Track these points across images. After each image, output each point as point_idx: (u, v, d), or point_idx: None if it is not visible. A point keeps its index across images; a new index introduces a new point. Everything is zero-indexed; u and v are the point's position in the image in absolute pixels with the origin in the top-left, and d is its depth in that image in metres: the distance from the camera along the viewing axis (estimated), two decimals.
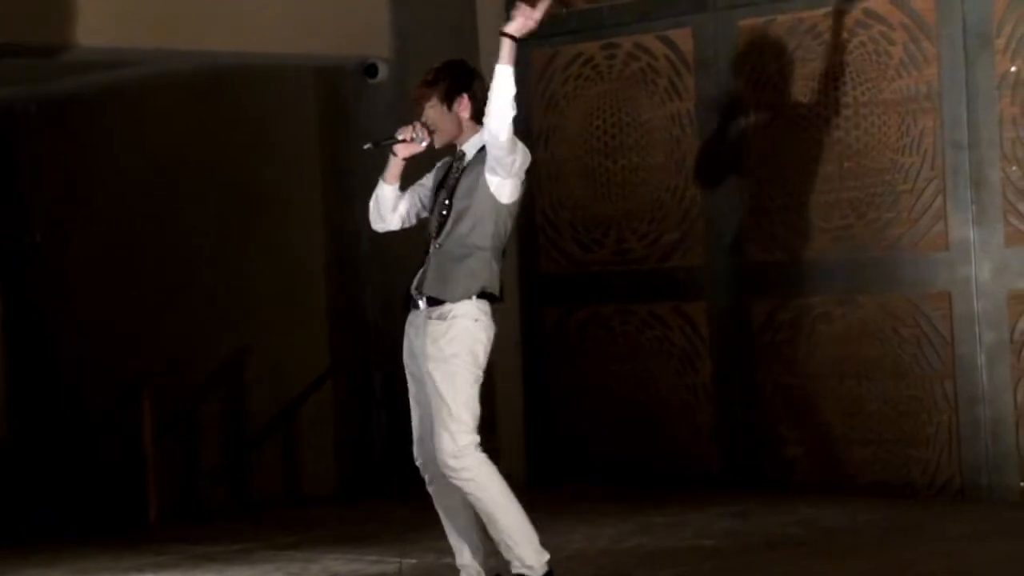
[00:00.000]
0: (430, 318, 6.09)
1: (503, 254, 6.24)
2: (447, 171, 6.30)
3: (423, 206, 6.35)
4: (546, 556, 6.17)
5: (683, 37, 9.23)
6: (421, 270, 6.19)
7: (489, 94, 6.01)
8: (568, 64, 9.66)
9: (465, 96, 6.20)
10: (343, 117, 9.83)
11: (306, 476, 9.86)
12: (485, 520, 6.14)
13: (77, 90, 11.05)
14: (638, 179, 9.42)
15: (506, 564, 6.17)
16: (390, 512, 8.53)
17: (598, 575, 6.86)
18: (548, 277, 9.78)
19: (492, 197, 6.11)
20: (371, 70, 9.70)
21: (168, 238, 10.73)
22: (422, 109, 6.23)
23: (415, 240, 9.70)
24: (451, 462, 6.04)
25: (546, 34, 9.61)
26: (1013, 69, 8.22)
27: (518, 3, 6.07)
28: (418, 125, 6.20)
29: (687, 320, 9.24)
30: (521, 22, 6.06)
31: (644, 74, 9.37)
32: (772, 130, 8.93)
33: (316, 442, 9.84)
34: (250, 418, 10.13)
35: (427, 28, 9.74)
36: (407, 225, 6.39)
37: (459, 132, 6.22)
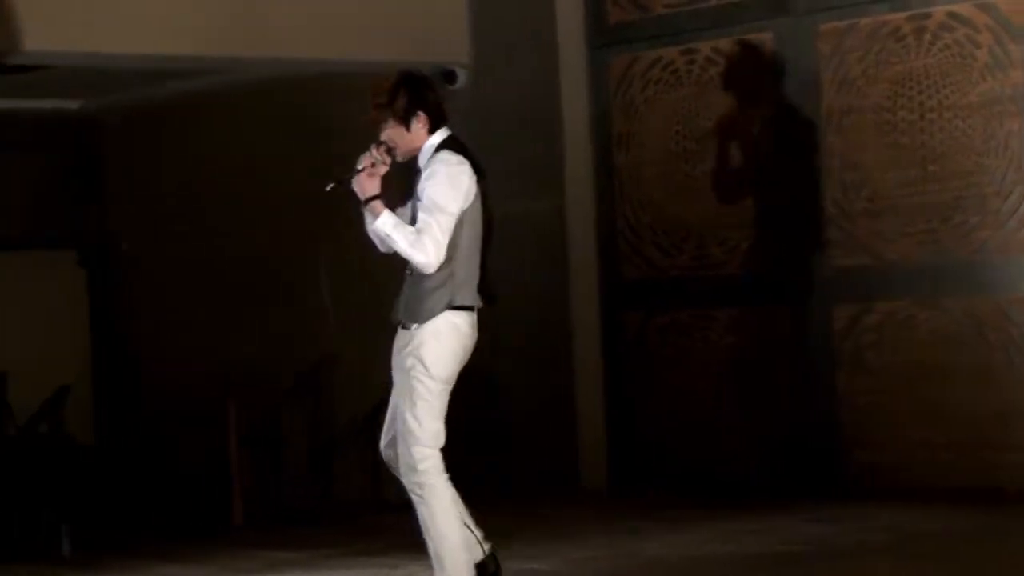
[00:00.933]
0: (405, 329, 6.18)
1: (482, 254, 6.21)
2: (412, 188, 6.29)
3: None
4: None
5: (763, 41, 9.19)
6: (403, 288, 6.26)
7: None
8: (647, 69, 9.64)
9: (421, 113, 6.19)
10: None
11: (389, 482, 9.87)
12: (425, 536, 6.17)
13: (162, 99, 11.14)
14: (717, 184, 9.37)
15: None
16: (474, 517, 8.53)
17: None
18: (629, 282, 9.76)
19: None
20: (450, 76, 9.72)
21: (252, 245, 10.78)
22: (380, 130, 6.21)
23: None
24: (406, 473, 6.17)
25: (625, 39, 9.64)
26: None
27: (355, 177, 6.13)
28: (377, 148, 6.18)
29: (769, 325, 9.19)
30: (359, 189, 6.14)
31: (724, 79, 9.32)
32: (855, 134, 8.87)
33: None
34: (334, 424, 10.17)
35: (506, 34, 9.75)
36: None
37: (420, 145, 6.21)
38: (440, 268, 6.10)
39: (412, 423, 6.13)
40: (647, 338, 9.65)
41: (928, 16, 8.61)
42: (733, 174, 9.31)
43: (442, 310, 6.13)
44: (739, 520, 8.22)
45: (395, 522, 8.86)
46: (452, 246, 6.12)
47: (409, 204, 6.25)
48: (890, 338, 8.76)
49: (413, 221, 6.17)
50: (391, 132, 6.19)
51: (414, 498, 6.18)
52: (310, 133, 10.36)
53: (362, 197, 6.16)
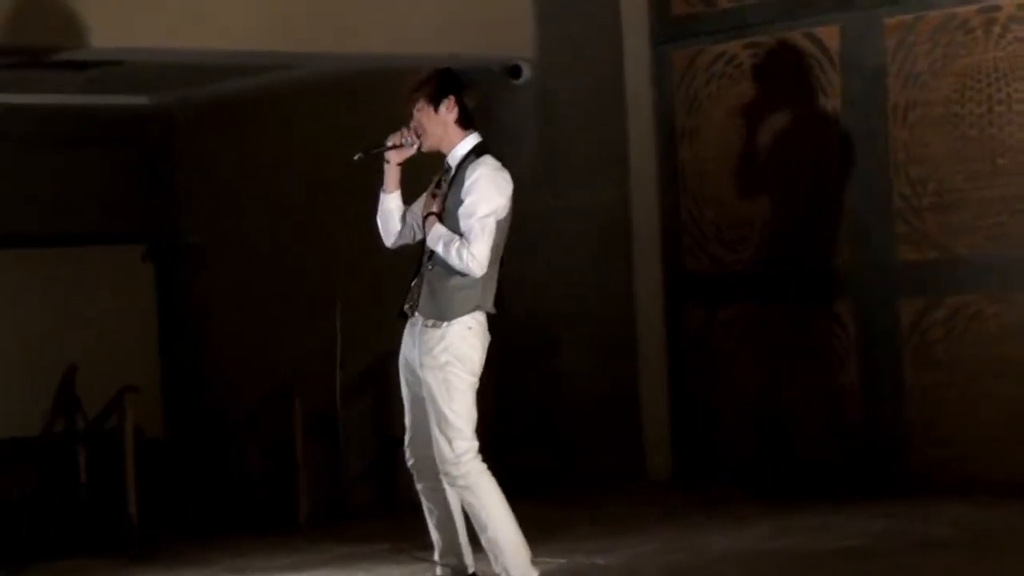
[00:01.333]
0: (425, 327, 6.22)
1: (501, 263, 6.30)
2: (438, 183, 6.38)
3: (416, 227, 6.42)
4: (535, 574, 6.25)
5: (829, 35, 9.14)
6: (414, 284, 6.31)
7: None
8: (711, 63, 9.61)
9: (452, 98, 6.28)
10: (488, 118, 9.87)
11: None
12: (477, 528, 6.25)
13: (231, 94, 11.21)
14: (783, 179, 9.35)
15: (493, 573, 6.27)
16: (535, 511, 8.55)
17: None
18: (692, 276, 9.74)
19: None
20: (515, 71, 9.74)
21: (317, 241, 10.84)
22: (410, 114, 6.30)
23: (551, 236, 9.73)
24: (450, 469, 6.19)
25: (689, 33, 9.61)
26: None
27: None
28: (406, 130, 6.29)
29: (834, 320, 9.15)
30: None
31: (789, 72, 9.29)
32: (921, 127, 8.82)
33: None
34: (396, 420, 10.20)
35: (571, 29, 9.75)
36: (416, 239, 6.45)
37: (445, 135, 6.29)
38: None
39: (452, 417, 6.17)
40: (711, 332, 9.63)
41: (998, 8, 8.53)
42: (797, 169, 9.27)
43: (470, 311, 6.20)
44: (803, 515, 8.18)
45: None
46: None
47: (434, 201, 6.30)
48: (958, 333, 8.70)
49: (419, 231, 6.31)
50: (420, 116, 6.27)
51: (459, 491, 6.23)
52: (371, 127, 10.39)
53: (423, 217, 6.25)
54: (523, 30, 9.66)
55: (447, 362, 6.18)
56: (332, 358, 10.41)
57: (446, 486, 6.33)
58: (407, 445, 6.45)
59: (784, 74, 9.31)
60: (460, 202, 6.21)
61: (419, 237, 6.43)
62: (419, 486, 6.46)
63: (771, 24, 9.34)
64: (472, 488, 6.19)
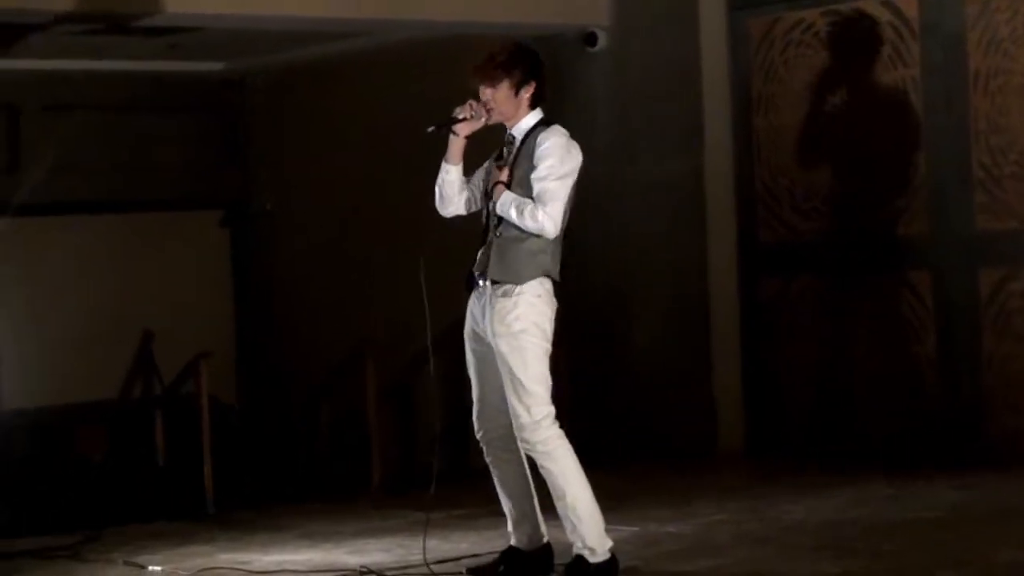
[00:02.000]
0: (496, 296, 6.23)
1: (564, 234, 6.30)
2: (499, 155, 6.37)
3: (477, 197, 6.43)
4: (609, 543, 6.26)
5: (907, 2, 9.05)
6: (481, 252, 6.32)
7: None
8: (788, 31, 9.54)
9: (534, 83, 6.30)
10: (563, 86, 9.84)
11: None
12: (554, 495, 6.24)
13: (305, 61, 11.25)
14: (860, 148, 9.27)
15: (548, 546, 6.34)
16: (607, 481, 8.55)
17: (819, 546, 6.78)
18: (767, 246, 9.69)
19: None
20: (591, 39, 9.72)
21: (390, 208, 10.86)
22: (484, 86, 6.26)
23: (626, 204, 9.69)
24: (528, 435, 6.19)
25: (765, 1, 9.54)
26: None
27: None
28: (476, 103, 6.27)
29: (911, 290, 9.08)
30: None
31: (867, 40, 9.20)
32: (1002, 96, 8.71)
33: None
34: (466, 385, 10.21)
35: None
36: (472, 209, 6.46)
37: (516, 113, 6.30)
38: (541, 236, 6.20)
39: (529, 383, 6.19)
40: (785, 302, 9.58)
41: None
42: (874, 138, 9.19)
43: (539, 277, 6.22)
44: (878, 485, 8.14)
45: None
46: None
47: (500, 172, 6.29)
48: None
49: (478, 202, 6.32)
50: (497, 94, 6.26)
51: (537, 458, 6.23)
52: (444, 96, 10.40)
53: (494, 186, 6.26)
54: None
55: (521, 329, 6.19)
56: (405, 327, 10.46)
57: (522, 455, 6.34)
58: (476, 418, 6.47)
59: (862, 42, 9.22)
60: (531, 169, 6.23)
61: (475, 208, 6.45)
62: (489, 459, 6.47)
63: None
64: (551, 454, 6.20)
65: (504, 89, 6.26)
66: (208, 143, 11.98)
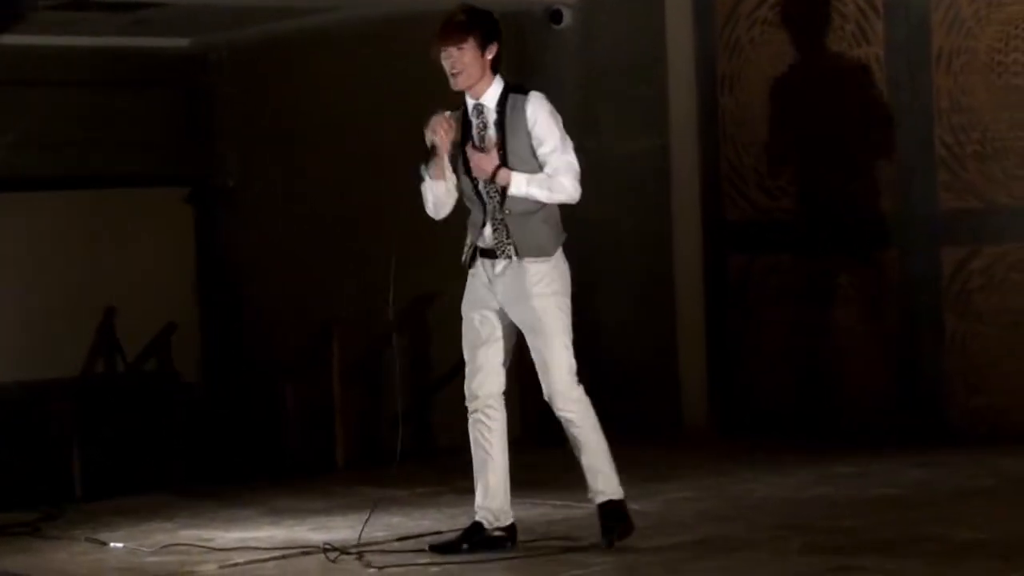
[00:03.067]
0: (524, 263, 6.28)
1: None
2: (464, 127, 6.35)
3: (461, 182, 6.43)
4: (622, 493, 6.43)
5: None
6: (488, 228, 6.33)
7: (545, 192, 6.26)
8: (753, 9, 9.53)
9: (496, 44, 6.32)
10: (528, 63, 9.83)
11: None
12: (582, 450, 6.36)
13: (269, 37, 11.19)
14: (825, 126, 9.28)
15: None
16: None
17: (781, 524, 6.80)
18: (732, 224, 9.69)
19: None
20: (556, 16, 9.70)
21: (356, 184, 10.83)
22: (450, 45, 6.23)
23: (592, 178, 9.68)
24: (566, 391, 6.32)
25: None
26: None
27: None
28: (434, 120, 6.27)
29: (875, 268, 9.11)
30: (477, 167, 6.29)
31: (831, 19, 9.21)
32: (964, 76, 8.74)
33: None
34: (434, 366, 10.21)
35: None
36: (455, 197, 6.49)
37: (482, 77, 6.29)
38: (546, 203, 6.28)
39: (563, 352, 6.34)
40: (751, 280, 9.59)
41: None
42: (839, 116, 9.20)
43: (557, 246, 6.34)
44: (842, 463, 8.17)
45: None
46: None
47: (485, 153, 6.29)
48: (998, 281, 8.65)
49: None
50: (463, 55, 6.25)
51: (567, 416, 6.33)
52: (410, 71, 10.38)
53: (485, 176, 6.26)
54: None
55: (555, 292, 6.31)
56: (370, 305, 10.43)
57: (504, 424, 6.40)
58: (471, 386, 6.45)
59: (827, 20, 9.23)
60: (524, 140, 6.25)
61: (456, 195, 6.42)
62: (478, 428, 6.45)
63: None
64: (582, 412, 6.34)
65: (470, 49, 6.25)
66: (172, 120, 11.91)
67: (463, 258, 6.47)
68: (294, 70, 11.32)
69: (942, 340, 8.84)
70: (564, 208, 9.76)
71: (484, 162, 6.29)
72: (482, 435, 6.46)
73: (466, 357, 6.50)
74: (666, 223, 9.80)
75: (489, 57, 6.28)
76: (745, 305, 9.62)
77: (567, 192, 6.30)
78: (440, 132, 6.28)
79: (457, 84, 6.30)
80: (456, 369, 9.87)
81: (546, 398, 6.38)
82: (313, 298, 10.95)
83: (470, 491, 6.61)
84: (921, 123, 8.88)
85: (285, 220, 11.43)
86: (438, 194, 6.40)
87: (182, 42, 11.75)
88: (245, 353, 11.66)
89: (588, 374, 9.64)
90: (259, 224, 11.67)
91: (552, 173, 6.27)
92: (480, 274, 6.41)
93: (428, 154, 6.34)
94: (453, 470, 8.56)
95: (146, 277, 11.47)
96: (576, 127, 9.57)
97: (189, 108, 11.99)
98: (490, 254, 6.36)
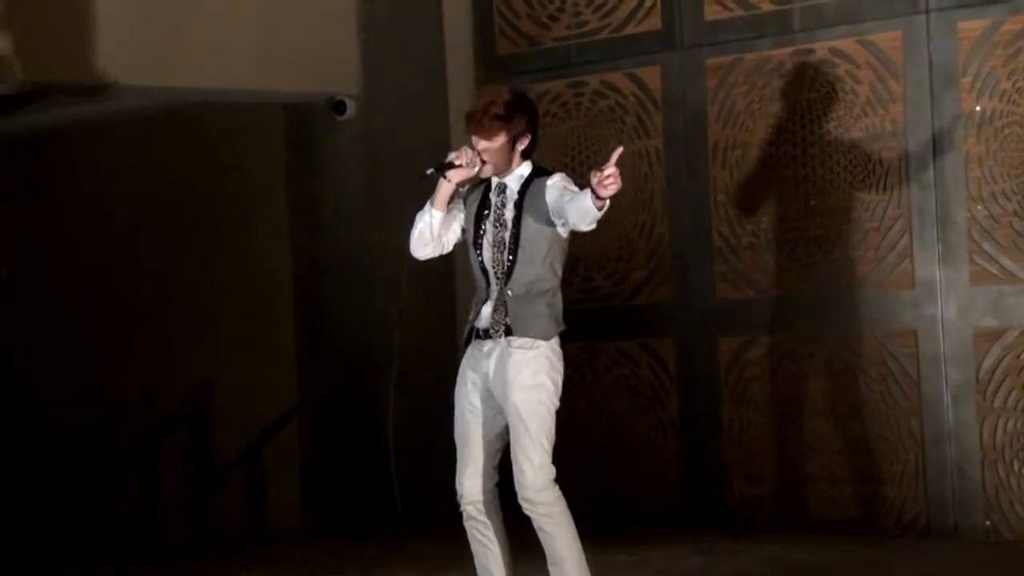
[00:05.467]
0: (512, 347, 6.04)
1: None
2: (482, 202, 6.18)
3: (461, 231, 6.26)
4: None
5: (651, 75, 9.25)
6: (487, 308, 6.12)
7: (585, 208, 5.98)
8: (535, 102, 9.64)
9: (530, 135, 6.13)
10: (311, 152, 9.85)
11: (271, 511, 9.83)
12: (552, 559, 6.08)
13: (45, 124, 11.03)
14: (605, 216, 9.38)
15: None
16: (355, 549, 8.49)
17: None
18: None
19: (559, 236, 6.14)
20: (339, 107, 9.73)
21: (136, 272, 10.71)
22: (481, 137, 6.05)
23: (378, 270, 9.68)
24: (533, 495, 6.01)
25: (514, 71, 9.66)
26: (978, 108, 8.25)
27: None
28: (470, 152, 6.06)
29: (654, 357, 9.24)
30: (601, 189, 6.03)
31: (612, 111, 9.39)
32: (739, 168, 8.95)
33: (280, 479, 9.80)
34: (215, 453, 10.10)
35: (395, 66, 9.75)
36: (445, 251, 6.30)
37: (509, 165, 6.12)
38: (551, 287, 6.10)
39: (545, 444, 6.01)
40: None
41: (811, 52, 8.70)
42: (619, 206, 9.34)
43: (552, 335, 6.09)
44: (617, 551, 8.18)
45: (277, 553, 8.83)
46: (560, 267, 6.16)
47: (459, 216, 6.16)
48: (773, 371, 8.83)
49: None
50: (492, 147, 6.05)
51: (539, 519, 6.03)
52: (196, 159, 10.31)
53: (616, 188, 6.00)
54: (348, 67, 9.64)
55: (540, 384, 6.02)
56: (150, 392, 10.30)
57: (500, 517, 6.12)
58: (464, 480, 6.15)
59: (608, 113, 9.40)
60: (541, 209, 6.05)
61: (447, 252, 6.26)
62: (471, 525, 6.17)
63: (595, 64, 9.42)
64: (552, 516, 6.03)
65: (500, 142, 6.04)
66: None
67: (463, 336, 6.22)
68: (69, 158, 11.18)
69: (720, 428, 8.99)
70: (352, 297, 9.72)
71: (618, 178, 6.02)
72: (478, 531, 6.18)
73: (456, 445, 6.21)
74: (451, 314, 9.79)
75: (520, 148, 6.11)
76: None
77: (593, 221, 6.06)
78: (464, 159, 6.04)
79: (483, 172, 6.09)
80: (238, 458, 9.84)
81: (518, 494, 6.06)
82: (90, 386, 10.76)
83: None
84: (699, 214, 9.06)
85: (65, 309, 11.24)
86: (431, 222, 6.15)
87: None
88: (30, 440, 11.41)
89: (367, 463, 9.66)
90: (39, 314, 11.45)
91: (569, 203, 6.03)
92: (470, 356, 6.16)
93: (443, 167, 6.06)
94: (233, 562, 8.46)
95: None
96: (362, 217, 9.67)
97: None
98: (485, 335, 6.12)
